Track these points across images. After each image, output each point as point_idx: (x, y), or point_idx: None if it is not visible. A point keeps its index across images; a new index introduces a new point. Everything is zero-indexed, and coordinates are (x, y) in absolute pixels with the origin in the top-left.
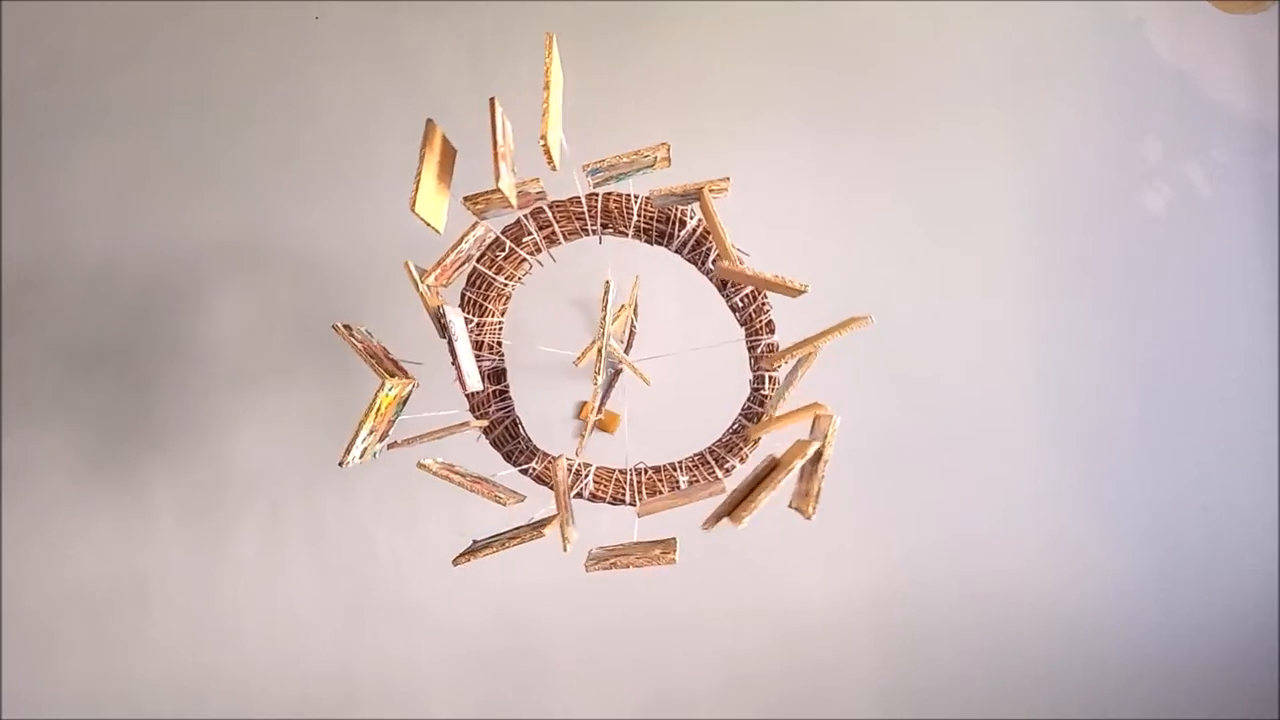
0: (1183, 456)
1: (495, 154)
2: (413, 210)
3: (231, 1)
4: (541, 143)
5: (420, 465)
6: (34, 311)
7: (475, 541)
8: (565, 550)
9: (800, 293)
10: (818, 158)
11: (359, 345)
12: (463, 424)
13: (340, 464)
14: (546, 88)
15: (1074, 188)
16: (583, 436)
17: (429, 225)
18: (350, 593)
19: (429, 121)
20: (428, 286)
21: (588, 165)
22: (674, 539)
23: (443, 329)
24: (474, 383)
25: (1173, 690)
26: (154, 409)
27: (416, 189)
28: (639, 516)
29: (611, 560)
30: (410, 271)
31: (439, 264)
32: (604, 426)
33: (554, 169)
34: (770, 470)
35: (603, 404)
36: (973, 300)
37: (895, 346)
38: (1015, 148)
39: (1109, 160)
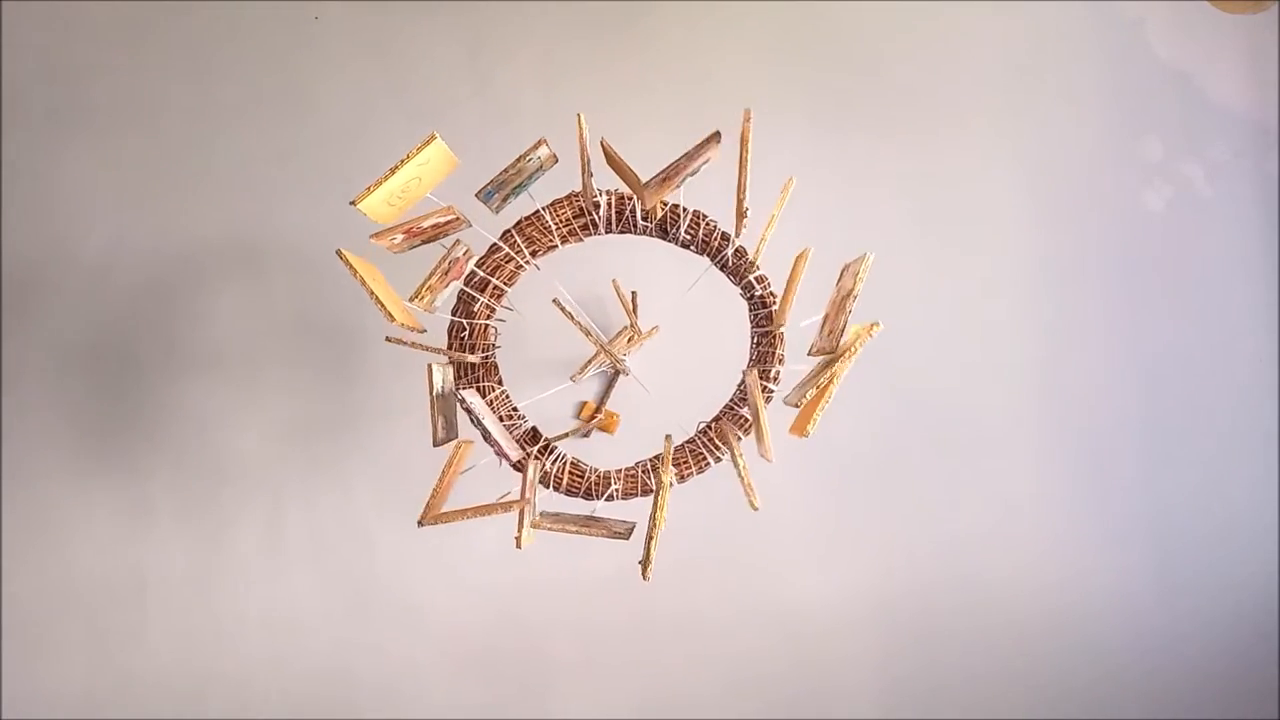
0: (1183, 457)
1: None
2: (392, 321)
3: (231, 1)
4: (352, 203)
5: (534, 525)
6: (34, 311)
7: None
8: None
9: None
10: (818, 157)
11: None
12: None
13: (518, 547)
14: (393, 170)
15: (1074, 187)
16: (567, 435)
17: (413, 329)
18: (350, 592)
19: (338, 251)
20: (440, 394)
21: (479, 193)
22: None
23: (469, 414)
24: (515, 453)
25: (1173, 690)
26: (153, 408)
27: (384, 309)
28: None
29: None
30: (430, 376)
31: (453, 362)
32: (604, 427)
33: (459, 217)
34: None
35: (602, 404)
36: (973, 300)
37: (895, 347)
38: (1015, 147)
39: (1109, 160)
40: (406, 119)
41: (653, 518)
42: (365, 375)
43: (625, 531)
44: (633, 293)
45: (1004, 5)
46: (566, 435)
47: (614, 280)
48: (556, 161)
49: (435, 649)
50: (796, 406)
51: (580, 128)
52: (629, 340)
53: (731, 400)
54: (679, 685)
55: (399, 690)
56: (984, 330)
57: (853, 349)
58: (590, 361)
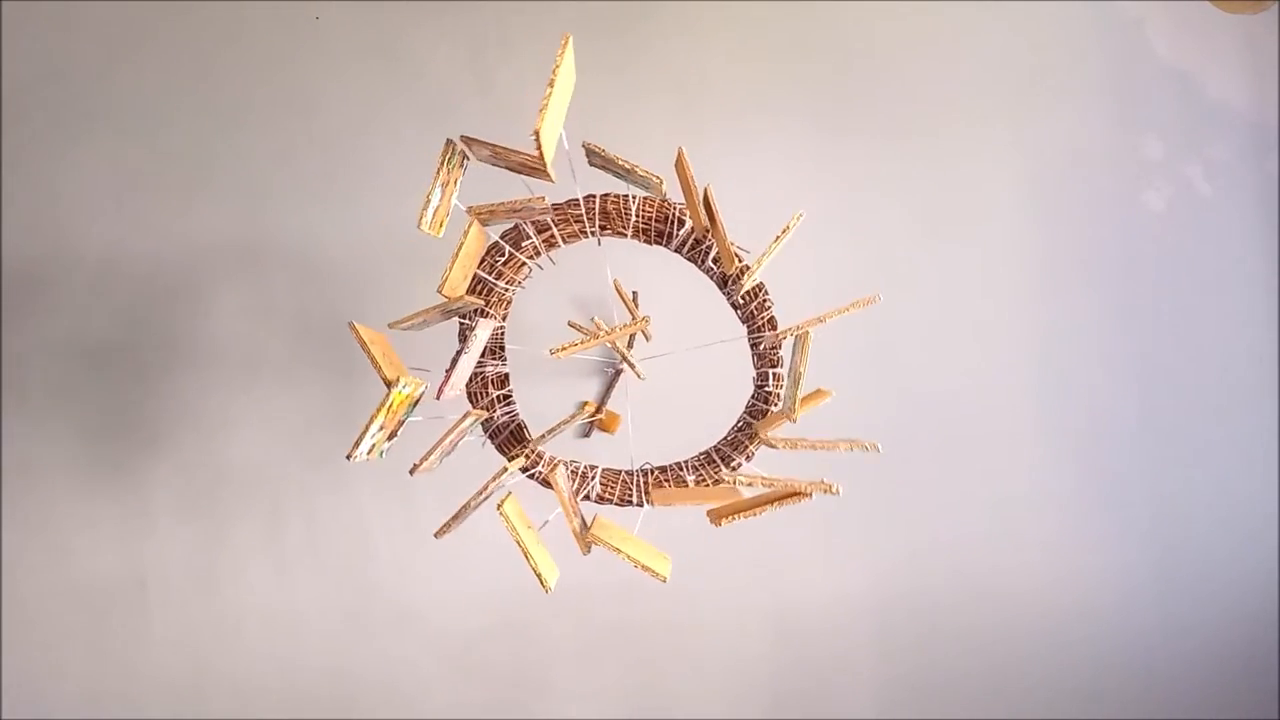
0: (1183, 456)
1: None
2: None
3: (231, 1)
4: (533, 137)
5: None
6: (34, 311)
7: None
8: (585, 553)
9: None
10: (818, 157)
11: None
12: (465, 414)
13: (348, 457)
14: (551, 84)
15: (1074, 187)
16: (563, 423)
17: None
18: (350, 593)
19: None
20: (450, 309)
21: (590, 143)
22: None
23: (462, 335)
24: (452, 393)
25: (1173, 690)
26: (154, 408)
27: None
28: (655, 505)
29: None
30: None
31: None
32: (604, 427)
33: (546, 167)
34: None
35: (603, 404)
36: (972, 299)
37: (895, 345)
38: (1015, 147)
39: (1109, 160)
40: (408, 119)
41: (519, 544)
42: (365, 375)
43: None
44: (634, 292)
45: (1004, 5)
46: (563, 425)
47: (615, 280)
48: (663, 196)
49: (435, 649)
50: (725, 487)
51: (683, 160)
52: (630, 339)
53: (699, 466)
54: (677, 686)
55: (399, 690)
56: (983, 329)
57: (778, 500)
58: (626, 353)
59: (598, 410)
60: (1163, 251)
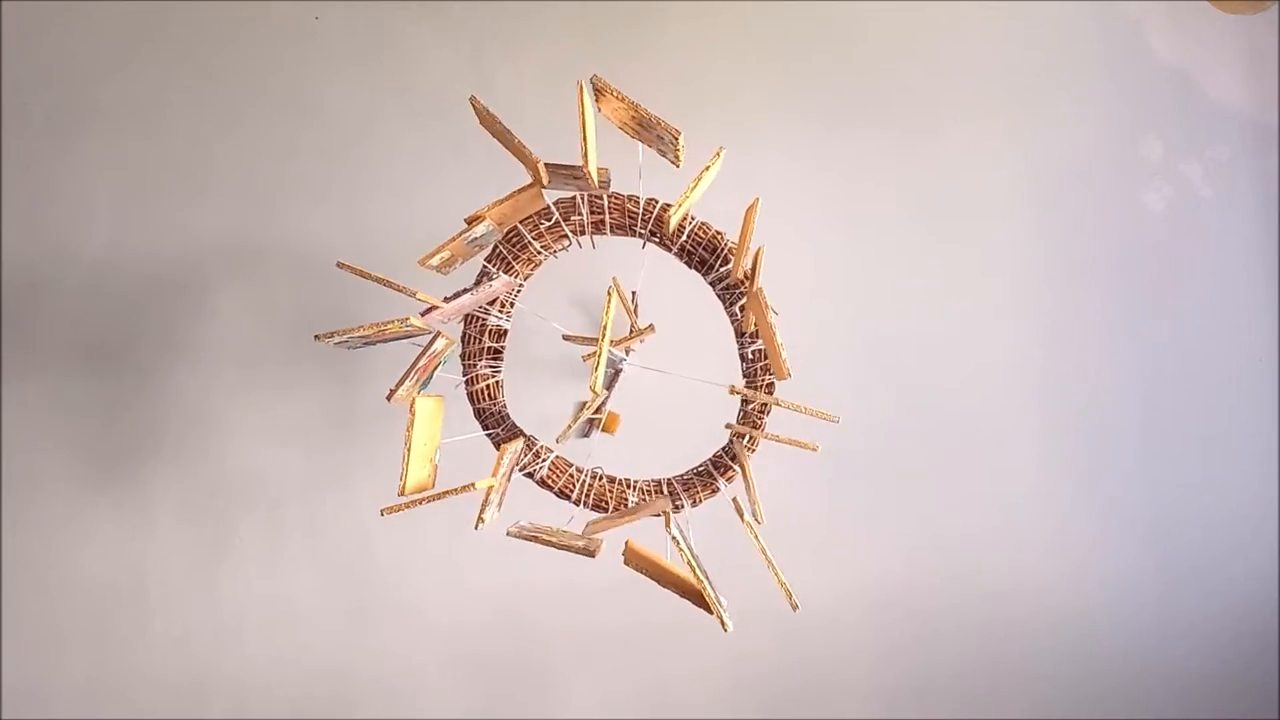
0: (1183, 456)
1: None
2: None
3: (231, 1)
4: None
5: (509, 534)
6: (34, 312)
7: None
8: (476, 529)
9: (821, 416)
10: (818, 156)
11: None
12: (435, 335)
13: (387, 398)
14: (583, 134)
15: (1074, 187)
16: (569, 425)
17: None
18: (350, 593)
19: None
20: (476, 238)
21: (714, 157)
22: (599, 540)
23: (477, 281)
24: (438, 324)
25: (1173, 690)
26: (154, 408)
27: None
28: (586, 531)
29: (535, 535)
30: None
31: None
32: (606, 427)
33: (603, 187)
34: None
35: (603, 404)
36: (972, 299)
37: (895, 345)
38: (1015, 147)
39: (1109, 160)
40: (408, 119)
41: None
42: (365, 375)
43: (591, 549)
44: (633, 292)
45: (1004, 5)
46: (566, 431)
47: (614, 278)
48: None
49: (435, 649)
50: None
51: (753, 211)
52: (629, 338)
53: (646, 492)
54: (676, 685)
55: (399, 690)
56: (983, 329)
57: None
58: (631, 339)
59: (597, 410)
60: (1163, 251)
